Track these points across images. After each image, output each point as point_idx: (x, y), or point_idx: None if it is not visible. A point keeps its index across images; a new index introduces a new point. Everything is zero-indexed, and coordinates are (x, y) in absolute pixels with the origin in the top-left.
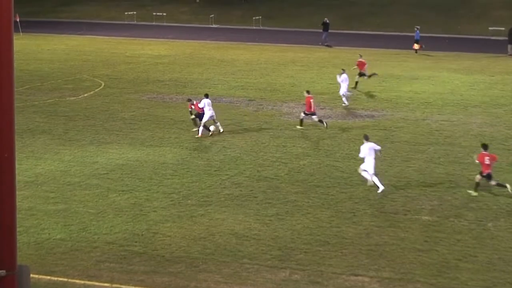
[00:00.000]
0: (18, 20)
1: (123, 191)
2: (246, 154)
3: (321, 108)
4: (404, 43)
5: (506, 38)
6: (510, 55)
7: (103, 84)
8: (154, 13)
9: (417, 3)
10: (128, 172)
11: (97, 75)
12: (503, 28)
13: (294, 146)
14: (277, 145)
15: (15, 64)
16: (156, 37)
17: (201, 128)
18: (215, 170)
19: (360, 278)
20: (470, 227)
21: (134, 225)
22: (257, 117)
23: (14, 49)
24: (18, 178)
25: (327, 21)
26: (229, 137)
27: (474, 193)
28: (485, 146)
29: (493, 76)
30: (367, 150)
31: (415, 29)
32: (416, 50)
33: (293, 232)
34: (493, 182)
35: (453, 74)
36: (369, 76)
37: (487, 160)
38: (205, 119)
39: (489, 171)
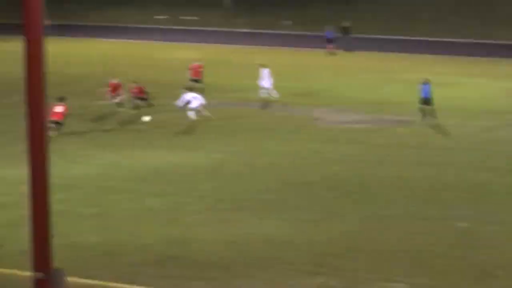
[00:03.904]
0: (49, 24)
1: (158, 195)
2: (280, 159)
3: (353, 113)
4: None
5: None
6: None
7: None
8: (184, 17)
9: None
10: (163, 176)
11: (128, 79)
12: None
13: (327, 151)
14: (311, 150)
15: (46, 68)
16: (186, 41)
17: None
18: (250, 175)
19: (395, 284)
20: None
21: (169, 230)
22: (290, 122)
23: (46, 53)
24: (53, 181)
25: (348, 25)
26: (263, 142)
27: None
28: (61, 99)
29: None
30: None
31: (329, 28)
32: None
33: (329, 237)
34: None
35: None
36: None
37: (59, 109)
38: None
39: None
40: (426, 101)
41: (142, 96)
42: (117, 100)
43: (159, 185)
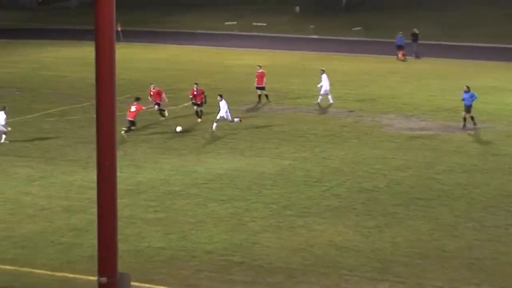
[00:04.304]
0: (119, 29)
1: (222, 200)
2: (346, 165)
3: (421, 120)
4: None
5: None
6: None
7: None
8: (254, 23)
9: None
10: (228, 182)
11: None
12: None
13: (394, 157)
14: (377, 156)
15: (116, 73)
16: (255, 47)
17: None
18: (315, 181)
19: None
20: None
21: (233, 235)
22: (357, 128)
23: (116, 58)
24: (118, 186)
25: (417, 32)
26: (329, 148)
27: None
28: (137, 99)
29: None
30: None
31: (399, 35)
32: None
33: (392, 244)
34: (133, 128)
35: None
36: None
37: (133, 108)
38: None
39: (131, 118)
40: (467, 108)
41: (199, 102)
42: (158, 106)
43: (224, 191)
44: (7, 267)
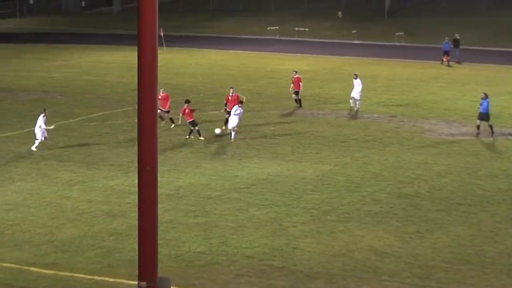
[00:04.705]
0: (162, 34)
1: (263, 205)
2: (387, 170)
3: (462, 126)
4: None
5: None
6: None
7: (244, 99)
8: (296, 28)
9: None
10: (268, 187)
11: (239, 90)
12: None
13: (435, 163)
14: (418, 162)
15: (158, 79)
16: (297, 52)
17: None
18: (356, 186)
19: None
20: None
21: (274, 240)
22: (398, 133)
23: (158, 63)
24: (159, 191)
25: (458, 38)
26: (370, 153)
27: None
28: (187, 101)
29: None
30: None
31: (446, 40)
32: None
33: (433, 250)
34: (196, 128)
35: None
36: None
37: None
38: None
39: (191, 119)
40: (484, 116)
41: (230, 110)
42: (166, 114)
43: (265, 195)
44: (48, 271)
